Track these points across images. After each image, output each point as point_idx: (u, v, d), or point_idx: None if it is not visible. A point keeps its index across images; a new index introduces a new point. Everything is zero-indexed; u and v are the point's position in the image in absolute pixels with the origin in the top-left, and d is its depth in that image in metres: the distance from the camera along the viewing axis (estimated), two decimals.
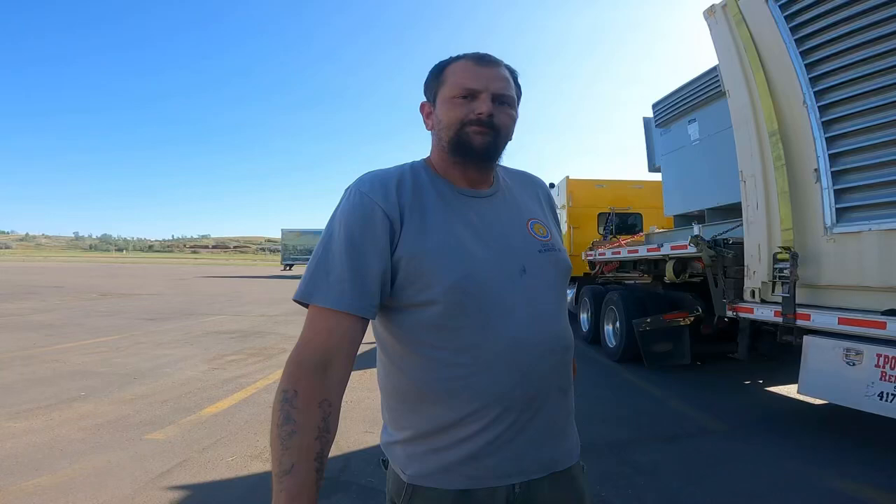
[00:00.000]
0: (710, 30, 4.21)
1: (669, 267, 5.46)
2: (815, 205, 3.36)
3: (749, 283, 3.96)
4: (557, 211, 1.18)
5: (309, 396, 0.77)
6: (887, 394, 2.79)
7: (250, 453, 3.16)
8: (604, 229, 8.49)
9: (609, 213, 8.50)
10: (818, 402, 4.14)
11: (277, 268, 36.99)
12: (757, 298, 3.89)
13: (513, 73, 0.98)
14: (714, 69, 5.10)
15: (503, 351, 0.87)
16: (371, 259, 0.84)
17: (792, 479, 2.93)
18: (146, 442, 3.31)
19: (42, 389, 4.48)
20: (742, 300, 4.09)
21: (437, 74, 0.96)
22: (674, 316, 5.27)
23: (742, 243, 4.08)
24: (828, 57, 3.27)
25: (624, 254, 6.84)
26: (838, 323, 3.13)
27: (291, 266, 33.57)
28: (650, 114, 6.92)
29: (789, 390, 4.67)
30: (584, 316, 7.78)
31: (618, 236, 7.93)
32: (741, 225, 4.11)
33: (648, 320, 5.40)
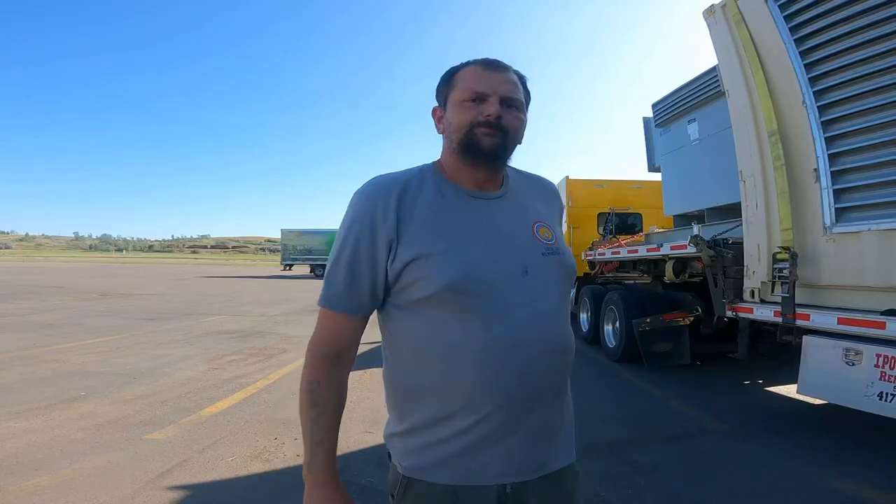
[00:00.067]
0: (710, 30, 4.21)
1: (669, 267, 5.46)
2: (814, 205, 3.37)
3: (749, 283, 3.96)
4: None
5: (329, 386, 0.96)
6: (887, 394, 2.79)
7: (250, 453, 3.16)
8: (603, 229, 8.48)
9: (609, 213, 8.49)
10: (818, 402, 4.14)
11: (277, 268, 36.96)
12: (756, 298, 3.89)
13: (521, 78, 1.01)
14: (714, 69, 5.10)
15: (498, 349, 0.89)
16: (364, 268, 0.93)
17: (792, 479, 2.93)
18: (146, 442, 3.32)
19: (42, 389, 4.48)
20: (742, 300, 4.09)
21: (448, 80, 1.00)
22: (673, 316, 5.27)
23: (741, 243, 4.08)
24: (827, 57, 3.27)
25: (624, 254, 6.84)
26: (838, 323, 3.13)
27: (291, 266, 33.52)
28: (650, 113, 6.92)
29: (789, 390, 4.67)
30: (583, 316, 7.78)
31: (617, 236, 7.92)
32: (741, 225, 4.12)
33: (648, 320, 5.40)
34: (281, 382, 4.93)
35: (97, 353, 6.12)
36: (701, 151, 5.76)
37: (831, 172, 3.26)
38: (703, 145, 5.73)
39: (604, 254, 7.45)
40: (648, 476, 2.95)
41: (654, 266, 6.41)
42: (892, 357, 2.79)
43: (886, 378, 2.80)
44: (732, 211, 4.77)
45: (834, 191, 3.26)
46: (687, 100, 5.87)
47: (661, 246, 5.63)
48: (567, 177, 9.29)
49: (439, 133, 1.02)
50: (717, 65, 4.55)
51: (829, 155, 3.27)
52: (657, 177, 7.46)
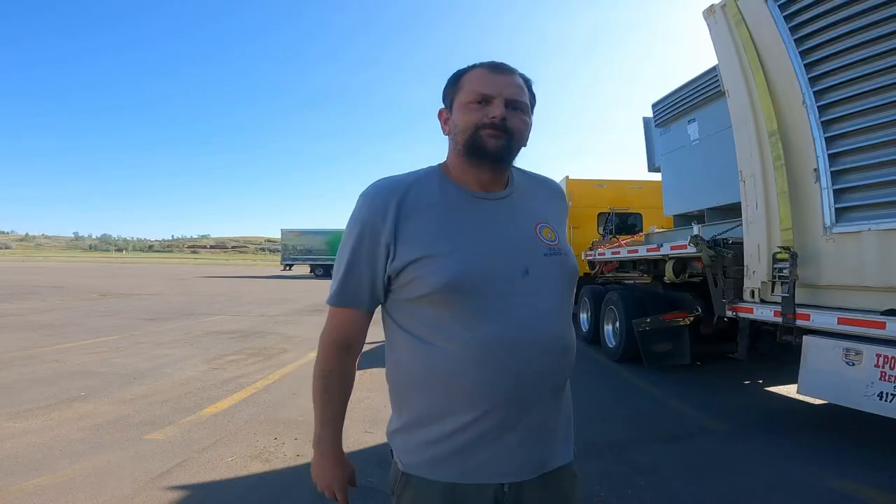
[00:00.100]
0: (710, 30, 4.21)
1: (669, 267, 5.46)
2: (814, 205, 3.37)
3: (749, 283, 3.96)
4: None
5: (340, 375, 1.03)
6: (887, 394, 2.79)
7: (250, 453, 3.16)
8: (603, 229, 8.48)
9: (609, 213, 8.49)
10: (818, 402, 4.14)
11: (277, 268, 36.95)
12: (756, 298, 3.89)
13: (527, 81, 1.02)
14: (714, 69, 5.10)
15: (496, 348, 0.90)
16: (364, 268, 0.97)
17: (792, 479, 2.93)
18: (146, 442, 3.31)
19: (42, 389, 4.48)
20: (742, 300, 4.09)
21: (454, 82, 1.01)
22: (673, 316, 5.27)
23: (741, 243, 4.08)
24: (827, 57, 3.27)
25: (624, 254, 6.84)
26: (838, 323, 3.13)
27: (291, 266, 33.51)
28: (650, 113, 6.92)
29: (789, 390, 4.67)
30: (583, 316, 7.78)
31: (617, 236, 7.93)
32: (741, 225, 4.12)
33: (648, 320, 5.40)
34: (281, 382, 4.93)
35: (97, 353, 6.12)
36: (701, 151, 5.76)
37: (831, 172, 3.26)
38: (703, 145, 5.73)
39: (604, 254, 7.45)
40: (648, 476, 2.95)
41: (654, 266, 6.40)
42: (892, 357, 2.79)
43: (886, 378, 2.80)
44: (732, 211, 4.77)
45: (834, 191, 3.26)
46: (687, 100, 5.87)
47: (661, 246, 5.63)
48: (567, 177, 9.29)
49: (445, 135, 1.04)
50: (717, 65, 4.54)
51: (829, 155, 3.27)
52: (657, 177, 7.46)
